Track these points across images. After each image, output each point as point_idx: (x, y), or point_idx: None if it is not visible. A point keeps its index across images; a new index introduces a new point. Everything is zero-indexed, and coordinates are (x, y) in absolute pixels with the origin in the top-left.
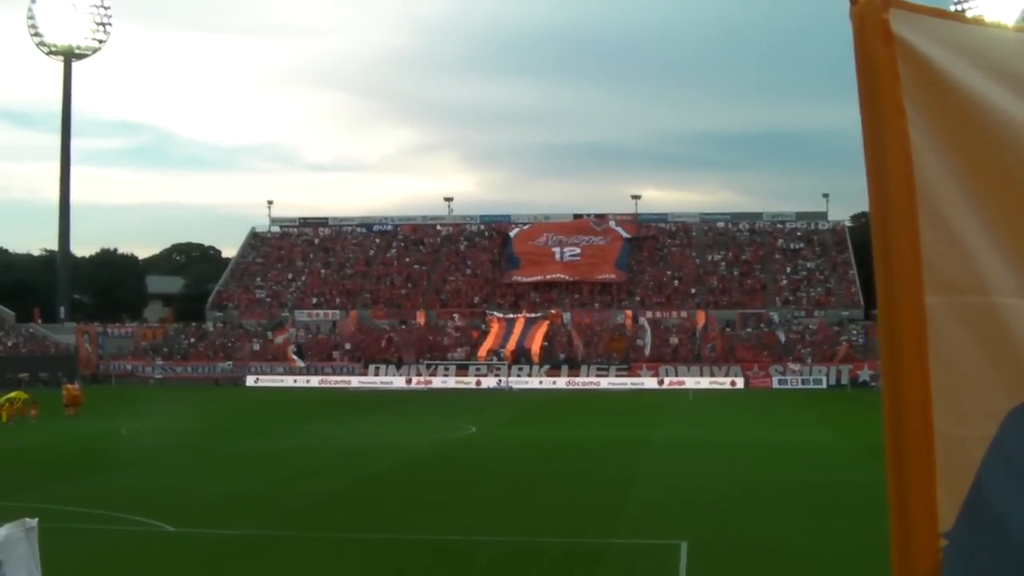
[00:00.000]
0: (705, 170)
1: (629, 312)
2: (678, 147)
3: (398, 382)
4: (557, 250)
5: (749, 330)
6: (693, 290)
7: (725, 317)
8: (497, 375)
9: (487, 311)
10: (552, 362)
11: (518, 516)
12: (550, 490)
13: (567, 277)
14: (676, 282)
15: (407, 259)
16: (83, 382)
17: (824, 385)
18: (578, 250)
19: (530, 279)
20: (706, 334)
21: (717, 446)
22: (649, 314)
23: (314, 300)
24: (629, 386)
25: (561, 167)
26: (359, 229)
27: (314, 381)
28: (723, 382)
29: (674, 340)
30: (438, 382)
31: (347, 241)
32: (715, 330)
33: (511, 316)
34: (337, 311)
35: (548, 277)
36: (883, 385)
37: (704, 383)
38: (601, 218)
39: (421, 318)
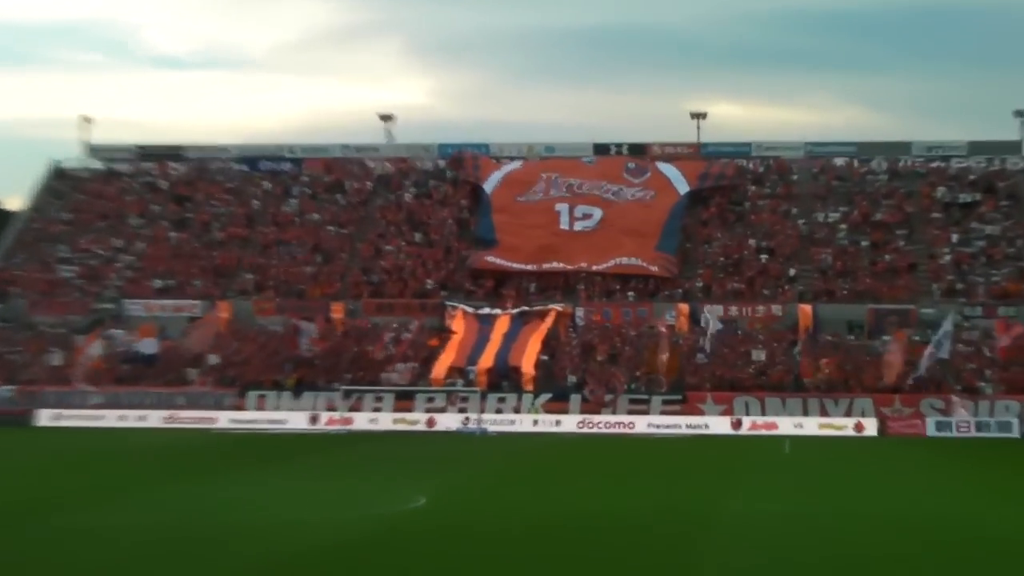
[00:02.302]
0: (814, 71)
1: (684, 307)
2: (768, 34)
3: (296, 419)
4: (563, 209)
5: (886, 339)
6: (792, 271)
7: (846, 316)
8: (463, 409)
9: (447, 302)
10: (555, 389)
11: None
12: None
13: (580, 265)
14: (763, 257)
15: (316, 216)
16: None
17: (1017, 432)
18: (598, 212)
19: (515, 264)
20: (814, 345)
21: (829, 529)
22: (718, 309)
23: (158, 283)
24: (684, 429)
25: (571, 67)
26: (236, 166)
27: (154, 418)
28: (842, 425)
29: (759, 354)
30: (364, 420)
31: (216, 186)
32: (823, 345)
33: (487, 311)
34: (197, 302)
35: (545, 266)
36: None
37: (810, 426)
38: (640, 153)
39: (338, 313)
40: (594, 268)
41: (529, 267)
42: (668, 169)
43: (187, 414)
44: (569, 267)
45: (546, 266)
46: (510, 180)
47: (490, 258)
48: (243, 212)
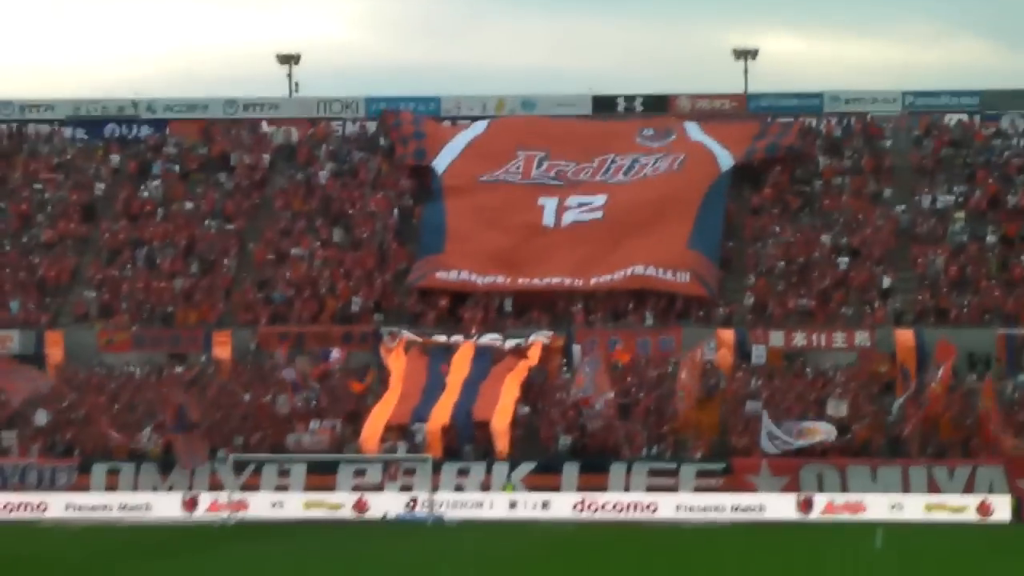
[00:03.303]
0: None
1: (727, 334)
2: None
3: (163, 503)
4: (550, 204)
5: None
6: (886, 280)
7: (965, 345)
8: (407, 487)
9: (382, 329)
10: (539, 456)
11: None
12: None
13: (574, 279)
14: (844, 260)
15: (189, 204)
16: None
17: None
18: (601, 199)
19: (477, 278)
20: (919, 388)
21: None
22: (776, 336)
23: None
24: (729, 513)
25: None
26: (69, 131)
27: None
28: (961, 505)
29: (838, 404)
30: (264, 502)
31: (38, 160)
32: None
33: (441, 340)
34: (13, 333)
35: (521, 281)
36: None
37: (912, 506)
38: (661, 108)
39: (223, 348)
40: (594, 282)
41: (499, 280)
42: (702, 134)
43: (1, 498)
44: (558, 281)
45: (522, 281)
46: (471, 153)
47: (442, 274)
48: (80, 199)
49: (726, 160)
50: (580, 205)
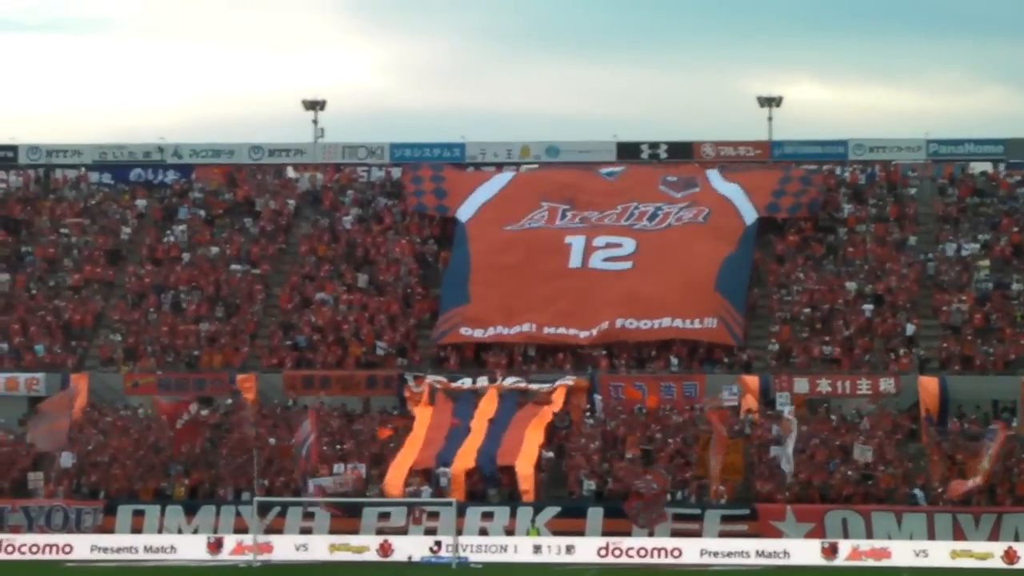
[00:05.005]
0: (941, 35)
1: (751, 380)
2: None
3: (190, 546)
4: (577, 243)
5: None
6: (910, 327)
7: (989, 393)
8: (432, 530)
9: (406, 374)
10: (564, 500)
11: None
12: None
13: (596, 330)
14: (868, 308)
15: (214, 249)
16: None
17: None
18: (630, 243)
19: (502, 329)
20: (943, 436)
21: None
22: (800, 383)
23: None
24: (753, 559)
25: (585, 31)
26: (95, 176)
27: None
28: (986, 552)
29: (863, 450)
30: (288, 546)
31: (64, 205)
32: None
33: (467, 386)
34: (39, 376)
35: (546, 331)
36: None
37: (938, 554)
38: (685, 155)
39: (248, 392)
40: (618, 324)
41: (524, 329)
42: (725, 186)
43: (28, 539)
44: (586, 334)
45: (548, 331)
46: (494, 205)
47: (466, 330)
48: (105, 244)
49: (750, 214)
50: (608, 245)
